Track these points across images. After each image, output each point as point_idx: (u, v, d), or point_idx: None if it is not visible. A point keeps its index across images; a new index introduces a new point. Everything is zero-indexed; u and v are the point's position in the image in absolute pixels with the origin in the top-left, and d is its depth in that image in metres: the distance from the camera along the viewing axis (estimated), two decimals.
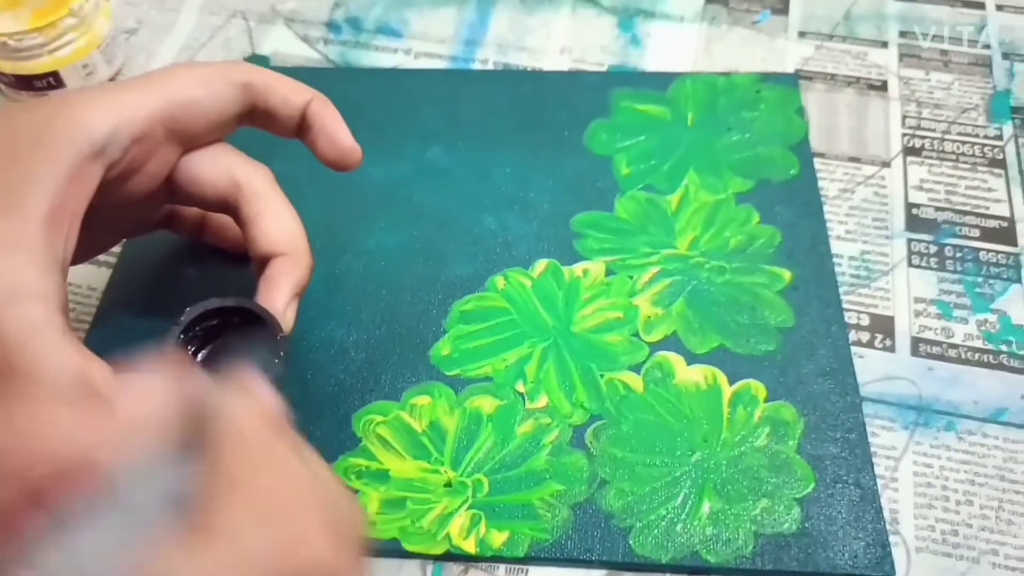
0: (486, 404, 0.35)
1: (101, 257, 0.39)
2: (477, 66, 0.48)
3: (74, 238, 0.27)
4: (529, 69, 0.47)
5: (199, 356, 0.31)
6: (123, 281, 0.39)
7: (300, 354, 0.35)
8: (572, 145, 0.43)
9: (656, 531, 0.31)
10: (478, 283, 0.38)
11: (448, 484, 0.33)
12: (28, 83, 0.44)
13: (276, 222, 0.31)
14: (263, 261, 0.31)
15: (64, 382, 0.25)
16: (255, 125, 0.32)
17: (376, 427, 0.34)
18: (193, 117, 0.30)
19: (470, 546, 0.31)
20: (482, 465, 0.33)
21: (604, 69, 0.47)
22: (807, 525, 0.31)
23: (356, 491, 0.32)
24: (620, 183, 0.41)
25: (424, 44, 0.49)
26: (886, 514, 0.32)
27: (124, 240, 0.40)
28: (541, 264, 0.39)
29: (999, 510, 0.32)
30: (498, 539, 0.31)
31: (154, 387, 0.22)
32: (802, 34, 0.49)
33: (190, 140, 0.31)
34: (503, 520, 0.32)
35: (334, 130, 0.32)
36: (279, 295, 0.30)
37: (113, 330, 0.37)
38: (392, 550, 0.31)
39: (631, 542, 0.31)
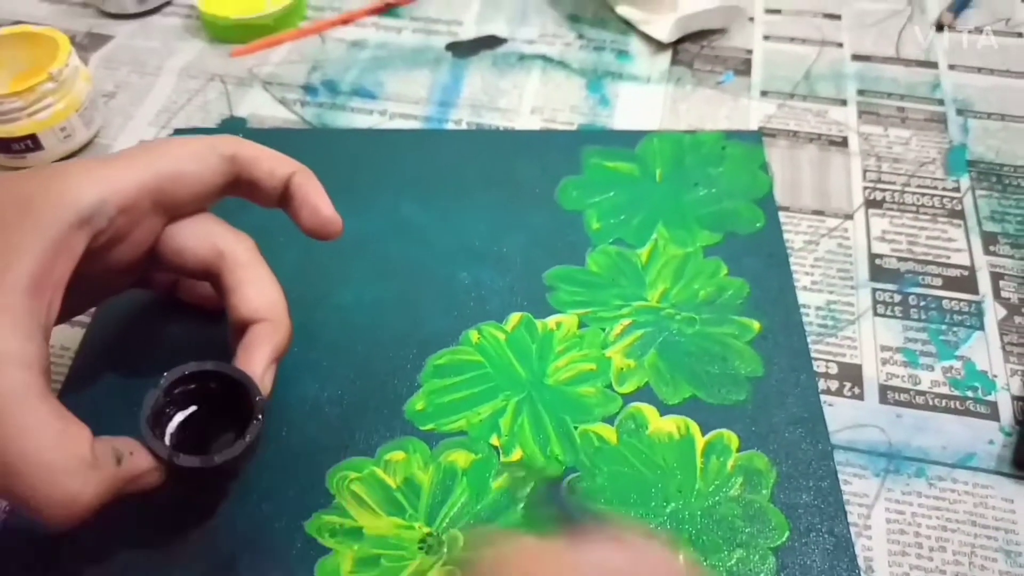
0: (461, 458, 0.34)
1: None
2: (451, 126, 0.49)
3: (57, 304, 0.28)
4: (502, 128, 0.48)
5: (177, 419, 0.31)
6: (97, 339, 0.39)
7: (274, 411, 0.35)
8: (544, 201, 0.44)
9: None
10: (452, 337, 0.38)
11: (423, 540, 0.32)
12: (6, 146, 0.45)
13: (257, 289, 0.32)
14: (242, 327, 0.32)
15: (43, 446, 0.25)
16: (239, 195, 0.33)
17: (350, 483, 0.34)
18: (180, 189, 0.31)
19: None
20: (457, 520, 0.33)
21: (574, 128, 0.48)
22: (783, 575, 0.31)
23: (329, 549, 0.32)
24: (591, 237, 0.42)
25: (399, 105, 0.50)
26: (860, 562, 0.32)
27: None
28: (515, 317, 0.39)
29: (972, 555, 0.32)
30: None
31: None
32: (764, 93, 0.50)
33: (175, 209, 0.32)
34: None
35: (316, 201, 0.33)
36: (258, 359, 0.31)
37: (88, 389, 0.37)
38: None
39: None
